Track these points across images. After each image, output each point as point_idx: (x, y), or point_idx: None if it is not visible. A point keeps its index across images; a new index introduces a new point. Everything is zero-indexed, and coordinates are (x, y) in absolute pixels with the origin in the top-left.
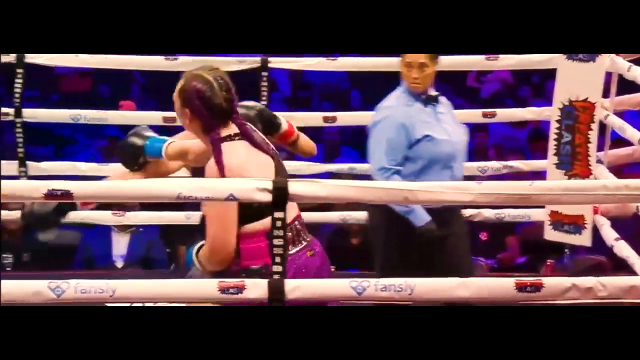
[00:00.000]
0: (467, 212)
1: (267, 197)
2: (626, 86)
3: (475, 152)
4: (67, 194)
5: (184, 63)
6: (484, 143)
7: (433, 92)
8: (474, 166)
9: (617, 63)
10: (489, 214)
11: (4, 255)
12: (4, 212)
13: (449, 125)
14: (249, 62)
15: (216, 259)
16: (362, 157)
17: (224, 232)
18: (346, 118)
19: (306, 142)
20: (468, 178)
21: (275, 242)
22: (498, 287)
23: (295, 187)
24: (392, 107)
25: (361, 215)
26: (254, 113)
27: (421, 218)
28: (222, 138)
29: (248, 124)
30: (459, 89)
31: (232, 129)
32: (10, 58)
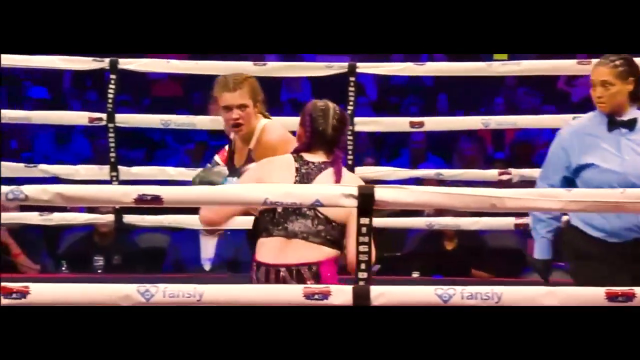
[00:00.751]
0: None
1: (353, 203)
2: None
3: None
4: (157, 199)
5: (273, 68)
6: None
7: (632, 116)
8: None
9: None
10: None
11: (95, 258)
12: (97, 216)
13: (631, 154)
14: (337, 67)
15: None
16: (448, 163)
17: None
18: (433, 123)
19: None
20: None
21: (361, 248)
22: (587, 296)
23: (381, 193)
24: (571, 126)
25: (449, 221)
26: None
27: (541, 251)
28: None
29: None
30: (549, 94)
31: (322, 157)
32: (103, 64)
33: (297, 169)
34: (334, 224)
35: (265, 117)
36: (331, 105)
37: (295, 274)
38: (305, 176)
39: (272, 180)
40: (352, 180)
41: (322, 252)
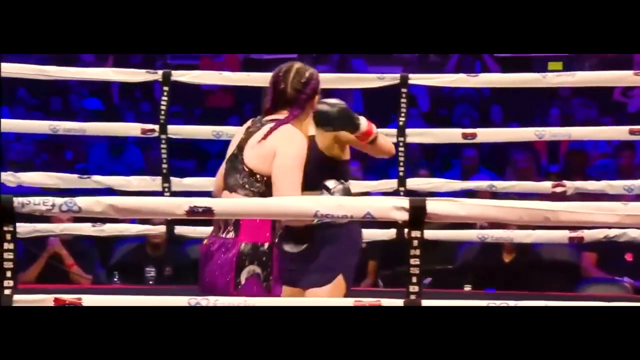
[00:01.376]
0: (611, 233)
1: (404, 216)
2: None
3: (621, 171)
4: (208, 211)
5: (324, 80)
6: (631, 161)
7: None
8: (620, 185)
9: None
10: (635, 234)
11: (147, 269)
12: (149, 227)
13: None
14: (389, 78)
15: None
16: (500, 175)
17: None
18: (486, 135)
19: (384, 142)
20: (613, 198)
21: (412, 261)
22: None
23: (433, 206)
24: None
25: (501, 234)
26: (336, 110)
27: None
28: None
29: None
30: (605, 105)
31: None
32: (156, 76)
33: (247, 129)
34: (257, 176)
35: None
36: (296, 66)
37: (223, 222)
38: (249, 134)
39: (229, 149)
40: (289, 136)
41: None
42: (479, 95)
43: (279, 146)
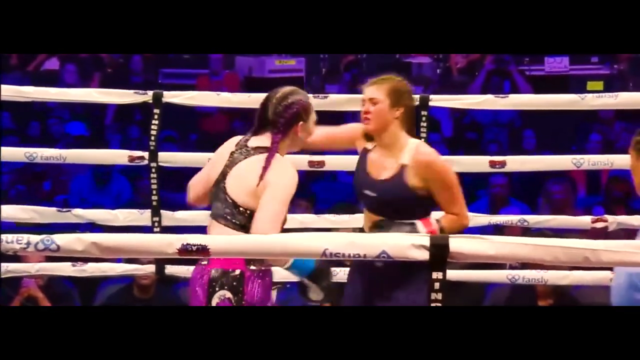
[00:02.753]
0: None
1: (424, 255)
2: None
3: None
4: (203, 250)
5: (334, 102)
6: None
7: None
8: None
9: None
10: None
11: None
12: (136, 267)
13: None
14: None
15: None
16: (533, 209)
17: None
18: (517, 163)
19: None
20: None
21: (433, 305)
22: None
23: (457, 244)
24: None
25: (534, 274)
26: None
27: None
28: None
29: None
30: None
31: (265, 142)
32: (146, 97)
33: (231, 153)
34: (240, 208)
35: (413, 137)
36: (284, 89)
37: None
38: (233, 161)
39: (212, 164)
40: (280, 169)
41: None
42: (509, 119)
43: (272, 178)
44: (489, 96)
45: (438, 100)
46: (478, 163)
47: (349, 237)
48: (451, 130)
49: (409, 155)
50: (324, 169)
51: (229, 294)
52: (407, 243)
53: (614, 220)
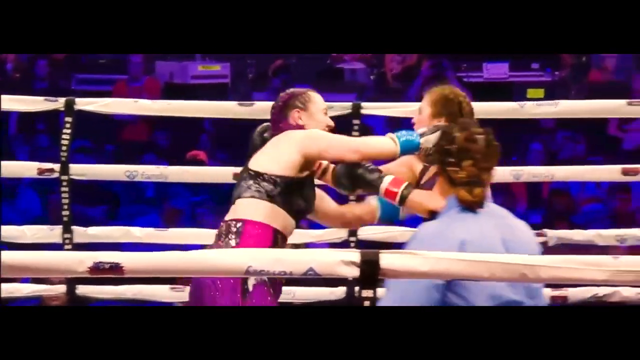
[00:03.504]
0: (600, 292)
1: (354, 272)
2: None
3: (614, 218)
4: (116, 268)
5: (261, 109)
6: (625, 206)
7: None
8: (612, 235)
9: None
10: (628, 293)
11: None
12: (45, 287)
13: None
14: (338, 107)
15: None
16: None
17: None
18: None
19: (419, 201)
20: (603, 250)
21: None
22: None
23: (388, 260)
24: None
25: None
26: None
27: None
28: None
29: None
30: (596, 140)
31: None
32: (57, 104)
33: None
34: (265, 175)
35: None
36: (282, 94)
37: (225, 228)
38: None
39: None
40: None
41: (251, 210)
42: None
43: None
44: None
45: (371, 108)
46: None
47: (274, 253)
48: None
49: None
50: None
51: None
52: (336, 259)
53: (553, 235)
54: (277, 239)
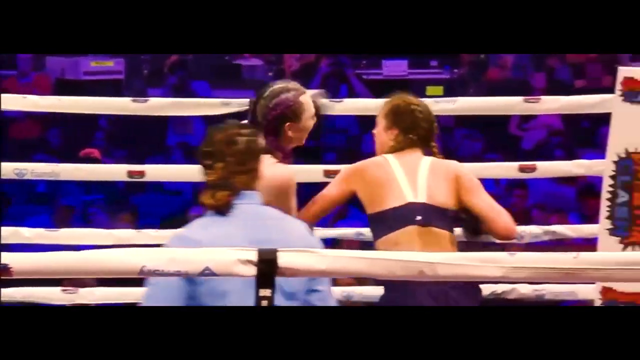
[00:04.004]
0: (499, 289)
1: (251, 271)
2: None
3: (512, 215)
4: (5, 269)
5: (156, 106)
6: (522, 203)
7: None
8: None
9: None
10: (526, 290)
11: None
12: None
13: None
14: (236, 104)
15: None
16: None
17: None
18: None
19: None
20: (501, 247)
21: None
22: None
23: (286, 258)
24: None
25: (370, 291)
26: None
27: None
28: None
29: None
30: (495, 138)
31: None
32: None
33: None
34: None
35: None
36: (273, 90)
37: None
38: None
39: None
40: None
41: None
42: (346, 125)
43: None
44: (324, 101)
45: None
46: (313, 172)
47: (169, 252)
48: None
49: None
50: (145, 179)
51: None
52: (233, 258)
53: None
54: None
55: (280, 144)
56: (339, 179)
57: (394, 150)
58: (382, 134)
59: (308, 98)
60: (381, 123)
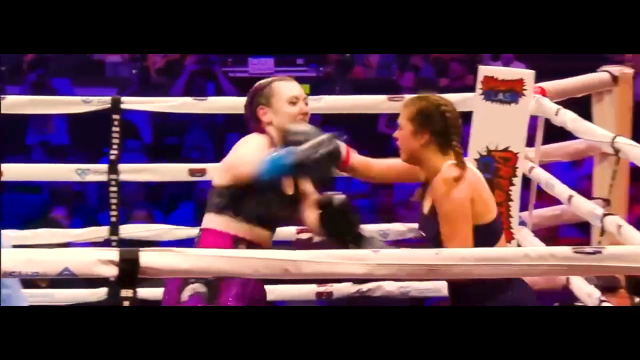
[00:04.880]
0: (364, 286)
1: (113, 272)
2: (554, 133)
3: (378, 212)
4: None
5: (12, 104)
6: (389, 201)
7: None
8: (374, 229)
9: (544, 105)
10: (391, 287)
11: None
12: None
13: None
14: (96, 102)
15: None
16: None
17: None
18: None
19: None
20: None
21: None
22: None
23: (148, 258)
24: None
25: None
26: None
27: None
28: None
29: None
30: (366, 136)
31: None
32: None
33: None
34: (218, 189)
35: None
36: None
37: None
38: None
39: None
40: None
41: (210, 220)
42: (212, 123)
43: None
44: (188, 99)
45: (131, 103)
46: (177, 171)
47: (25, 253)
48: (151, 136)
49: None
50: (3, 179)
51: (202, 289)
52: (93, 258)
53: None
54: (238, 246)
55: (264, 130)
56: (465, 214)
57: (430, 155)
58: (407, 139)
59: (284, 84)
60: (406, 127)
